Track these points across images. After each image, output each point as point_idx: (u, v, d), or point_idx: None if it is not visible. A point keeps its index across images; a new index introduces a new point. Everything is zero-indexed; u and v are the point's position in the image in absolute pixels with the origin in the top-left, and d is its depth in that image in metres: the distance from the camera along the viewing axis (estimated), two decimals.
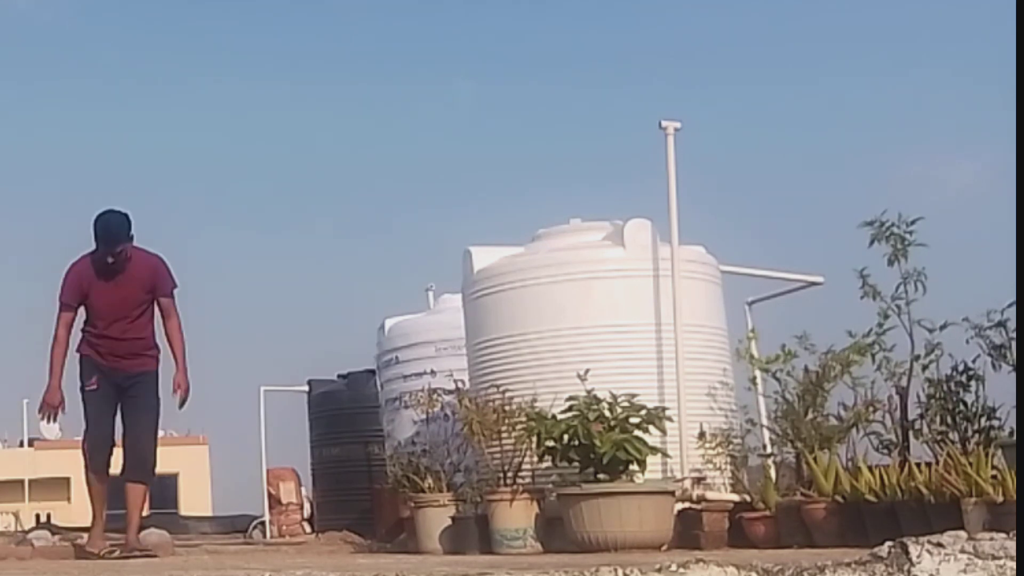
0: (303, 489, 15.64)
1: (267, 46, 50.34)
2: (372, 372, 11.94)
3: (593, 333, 8.10)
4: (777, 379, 8.02)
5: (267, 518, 15.56)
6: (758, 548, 6.86)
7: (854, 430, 7.65)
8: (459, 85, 50.92)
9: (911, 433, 7.64)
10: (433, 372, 10.28)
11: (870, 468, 6.95)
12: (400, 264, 36.08)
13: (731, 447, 8.02)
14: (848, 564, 3.78)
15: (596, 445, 7.25)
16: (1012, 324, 7.31)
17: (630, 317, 8.15)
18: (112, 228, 7.84)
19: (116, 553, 7.85)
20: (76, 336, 8.15)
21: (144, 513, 8.46)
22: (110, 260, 7.85)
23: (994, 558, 3.78)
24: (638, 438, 7.33)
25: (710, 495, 7.68)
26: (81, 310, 8.09)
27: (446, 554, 7.89)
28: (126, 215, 7.94)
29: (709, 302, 8.51)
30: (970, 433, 7.36)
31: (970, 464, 6.24)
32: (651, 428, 7.46)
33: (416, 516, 8.42)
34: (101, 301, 8.00)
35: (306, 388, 13.69)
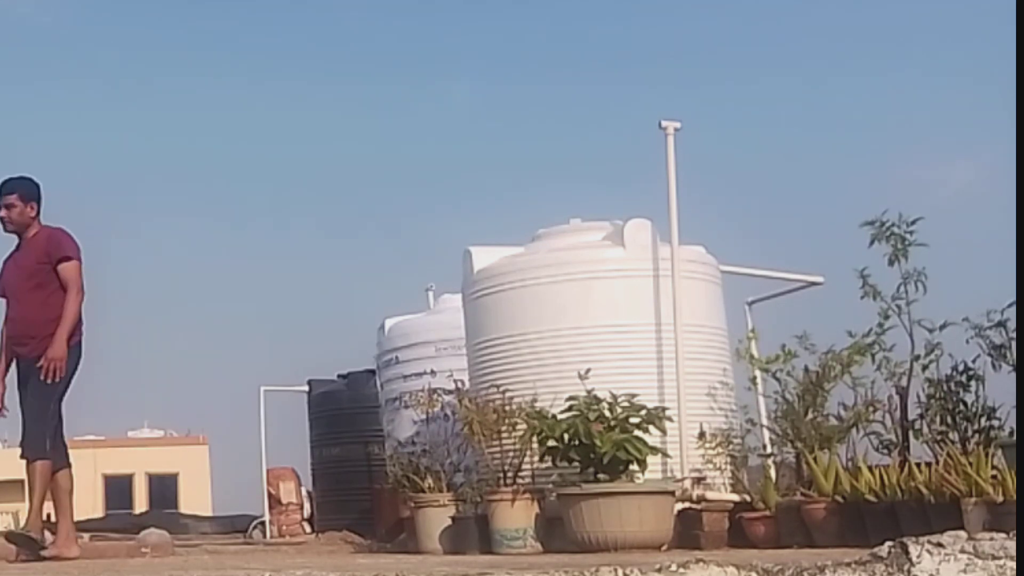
0: (303, 489, 15.65)
1: (269, 47, 50.33)
2: (372, 372, 11.95)
3: (593, 333, 8.11)
4: (777, 379, 8.03)
5: (267, 518, 15.57)
6: (758, 548, 6.86)
7: (854, 430, 7.66)
8: (459, 85, 50.94)
9: (911, 433, 7.64)
10: (433, 372, 10.28)
11: (870, 468, 6.95)
12: (400, 264, 36.07)
13: (731, 447, 8.02)
14: (848, 564, 3.78)
15: (596, 445, 7.25)
16: (1012, 324, 7.31)
17: (630, 317, 8.15)
18: (3, 183, 7.69)
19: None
20: None
21: (68, 510, 8.07)
22: (2, 214, 7.65)
23: (994, 558, 3.78)
24: (638, 438, 7.34)
25: (710, 495, 7.68)
26: None
27: (446, 554, 7.89)
28: (27, 178, 7.76)
29: (709, 302, 8.51)
30: (970, 433, 7.36)
31: (970, 464, 6.24)
32: (651, 428, 7.46)
33: (416, 516, 8.42)
34: (5, 281, 7.75)
35: (306, 388, 13.70)
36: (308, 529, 14.88)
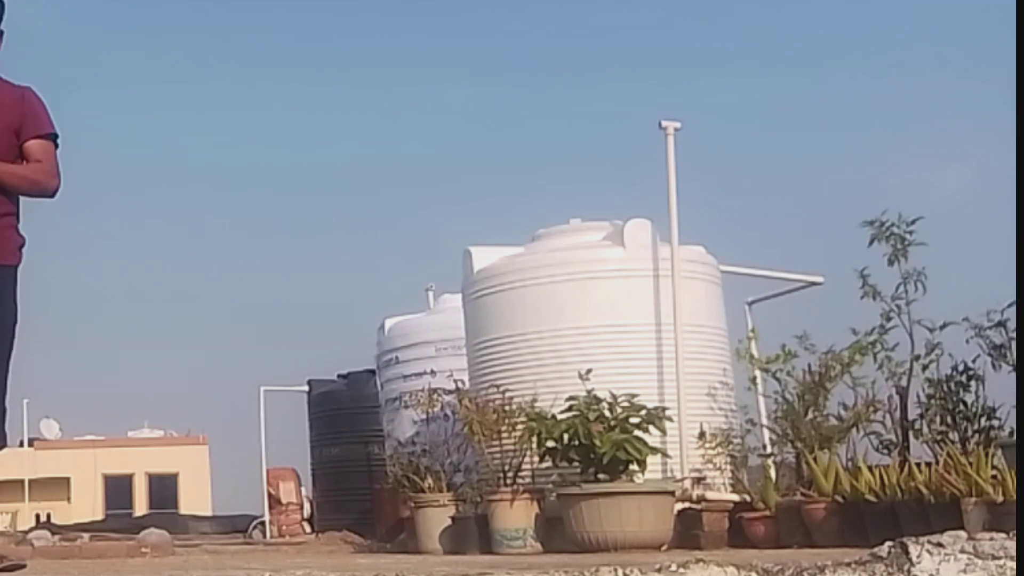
0: (303, 489, 15.67)
1: (269, 48, 50.33)
2: (372, 372, 11.95)
3: (593, 333, 8.11)
4: (777, 379, 8.03)
5: (267, 518, 15.59)
6: (758, 548, 6.86)
7: (854, 430, 7.66)
8: (459, 85, 50.92)
9: (911, 433, 7.64)
10: (433, 372, 10.29)
11: (870, 468, 6.95)
12: (400, 264, 36.04)
13: (731, 447, 8.02)
14: (848, 564, 3.78)
15: (596, 445, 7.25)
16: (1012, 324, 7.32)
17: (630, 317, 8.16)
18: None
19: None
20: None
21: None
22: None
23: (994, 558, 3.78)
24: (638, 438, 7.34)
25: (710, 495, 7.68)
26: None
27: (446, 554, 7.89)
28: None
29: (709, 302, 8.51)
30: (970, 433, 7.37)
31: (970, 464, 6.24)
32: (651, 428, 7.46)
33: (416, 516, 8.42)
34: None
35: (306, 388, 13.71)
36: (308, 529, 14.89)
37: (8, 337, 4.83)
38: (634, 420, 7.40)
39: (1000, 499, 5.90)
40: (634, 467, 7.37)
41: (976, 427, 7.39)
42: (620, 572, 3.62)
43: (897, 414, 7.71)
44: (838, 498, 6.90)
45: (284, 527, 15.46)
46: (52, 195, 4.92)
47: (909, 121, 37.25)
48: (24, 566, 4.94)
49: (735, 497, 7.65)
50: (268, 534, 15.31)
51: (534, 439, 7.62)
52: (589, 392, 7.49)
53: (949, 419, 7.49)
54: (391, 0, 46.58)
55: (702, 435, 7.95)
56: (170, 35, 49.66)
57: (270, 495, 15.62)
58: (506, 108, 46.00)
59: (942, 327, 7.73)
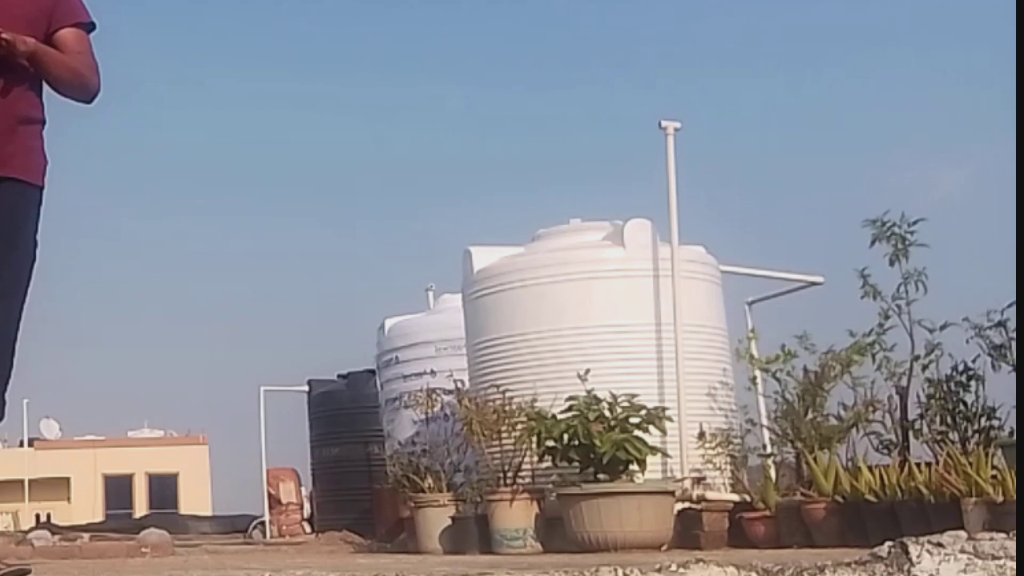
0: (303, 489, 15.66)
1: (270, 47, 50.33)
2: (372, 372, 11.96)
3: (593, 333, 8.11)
4: (777, 379, 8.03)
5: (267, 518, 15.58)
6: (758, 548, 6.86)
7: (854, 430, 7.66)
8: (458, 85, 50.91)
9: (911, 433, 7.64)
10: (433, 372, 10.29)
11: (870, 468, 6.95)
12: (400, 264, 36.06)
13: (731, 447, 8.02)
14: (848, 564, 3.78)
15: (596, 445, 7.25)
16: (1012, 324, 7.32)
17: (630, 317, 8.16)
18: None
19: None
20: None
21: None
22: None
23: (994, 558, 3.77)
24: (638, 438, 7.34)
25: (710, 495, 7.68)
26: None
27: (446, 554, 7.89)
28: None
29: (709, 302, 8.51)
30: (970, 433, 7.37)
31: (970, 464, 6.24)
32: (651, 428, 7.46)
33: (416, 516, 8.42)
34: None
35: (306, 388, 13.71)
36: (308, 529, 14.89)
37: (27, 273, 4.05)
38: (634, 420, 7.40)
39: (1000, 499, 5.90)
40: (634, 467, 7.37)
41: (976, 427, 7.39)
42: (620, 572, 3.61)
43: (897, 414, 7.71)
44: (838, 498, 6.90)
45: (284, 527, 15.46)
46: (90, 99, 4.13)
47: (909, 121, 37.28)
48: (29, 571, 4.26)
49: (735, 497, 7.65)
50: (268, 534, 15.31)
51: (534, 439, 7.63)
52: (589, 392, 7.49)
53: (949, 419, 7.49)
54: (393, 1, 46.64)
55: (702, 435, 7.95)
56: (169, 35, 49.70)
57: (270, 495, 15.61)
58: (506, 108, 46.04)
59: (942, 327, 7.73)
